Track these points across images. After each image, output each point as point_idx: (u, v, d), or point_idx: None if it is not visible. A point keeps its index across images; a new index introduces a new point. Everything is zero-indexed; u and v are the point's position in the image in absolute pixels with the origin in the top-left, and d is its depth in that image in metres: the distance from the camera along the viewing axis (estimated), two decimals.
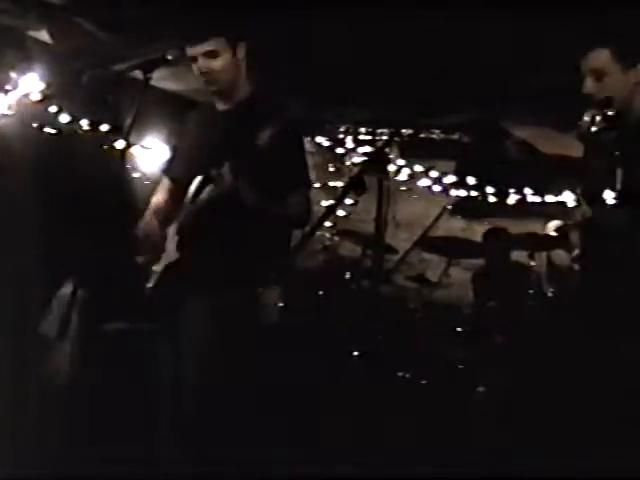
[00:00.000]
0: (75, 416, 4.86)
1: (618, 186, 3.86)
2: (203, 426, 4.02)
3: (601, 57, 3.93)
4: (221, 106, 4.41)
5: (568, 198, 8.32)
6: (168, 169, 4.63)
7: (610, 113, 3.90)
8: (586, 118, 3.95)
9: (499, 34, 5.71)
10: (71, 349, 5.71)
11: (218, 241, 4.15)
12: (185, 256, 4.20)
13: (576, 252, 4.40)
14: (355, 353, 5.48)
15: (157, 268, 4.26)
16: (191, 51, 4.22)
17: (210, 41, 4.20)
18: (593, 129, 3.92)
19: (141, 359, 5.00)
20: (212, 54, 4.21)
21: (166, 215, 4.38)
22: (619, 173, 3.86)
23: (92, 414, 4.96)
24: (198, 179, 4.19)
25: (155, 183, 4.70)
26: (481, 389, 5.76)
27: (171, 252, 4.24)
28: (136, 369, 5.18)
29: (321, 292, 6.59)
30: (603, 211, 3.93)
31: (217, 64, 4.22)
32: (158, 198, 4.53)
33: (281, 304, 5.40)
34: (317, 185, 9.22)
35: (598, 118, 3.91)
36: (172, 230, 4.28)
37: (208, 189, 4.11)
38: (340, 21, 5.80)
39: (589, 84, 3.96)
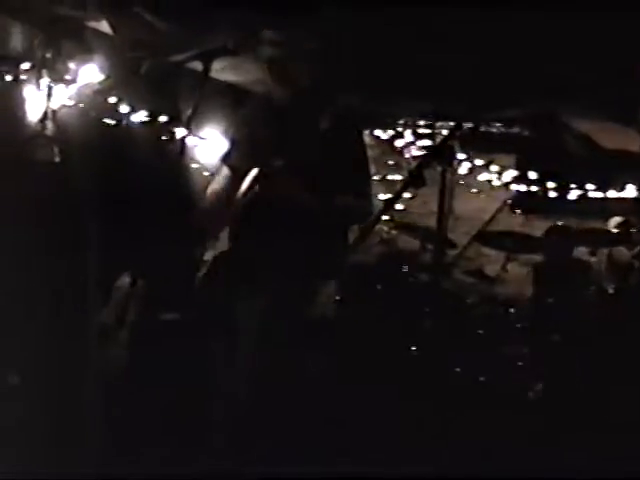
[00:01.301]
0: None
1: None
2: (253, 421, 4.01)
3: None
4: (280, 98, 4.38)
5: (630, 194, 8.20)
6: (227, 158, 4.60)
7: None
8: None
9: (560, 27, 5.65)
10: (129, 338, 5.73)
11: (272, 234, 4.12)
12: (237, 247, 4.18)
13: (638, 249, 4.35)
14: (413, 348, 5.45)
15: (208, 257, 4.25)
16: (270, 36, 4.20)
17: (277, 31, 4.21)
18: None
19: (194, 350, 5.02)
20: (277, 44, 4.20)
21: (222, 205, 4.37)
22: None
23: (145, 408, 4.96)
24: (254, 172, 4.16)
25: (213, 174, 4.69)
26: (540, 386, 5.71)
27: (224, 242, 4.24)
28: (188, 360, 5.19)
29: (379, 286, 6.55)
30: None
31: (290, 56, 4.20)
32: (215, 187, 4.52)
33: (338, 298, 5.38)
34: (376, 178, 9.22)
35: None
36: (226, 220, 4.27)
37: (260, 185, 4.10)
38: (400, 13, 5.77)
39: None
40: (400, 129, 9.38)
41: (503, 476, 4.12)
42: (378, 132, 9.30)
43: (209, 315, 4.32)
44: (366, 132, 9.06)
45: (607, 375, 5.28)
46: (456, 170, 8.61)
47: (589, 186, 9.02)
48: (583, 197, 9.05)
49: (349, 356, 5.51)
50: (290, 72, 4.25)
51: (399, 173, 9.21)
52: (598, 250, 6.61)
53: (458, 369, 5.85)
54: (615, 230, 5.48)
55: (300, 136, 4.09)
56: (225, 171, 4.55)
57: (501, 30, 5.86)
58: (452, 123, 8.12)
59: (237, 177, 4.36)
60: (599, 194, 9.00)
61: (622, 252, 6.26)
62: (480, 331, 6.24)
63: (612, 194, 8.71)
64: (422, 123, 9.25)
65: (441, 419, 4.37)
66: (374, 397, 5.28)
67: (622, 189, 8.41)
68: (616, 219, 5.62)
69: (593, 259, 6.60)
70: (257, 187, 4.15)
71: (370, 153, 8.66)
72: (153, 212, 4.93)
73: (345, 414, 4.87)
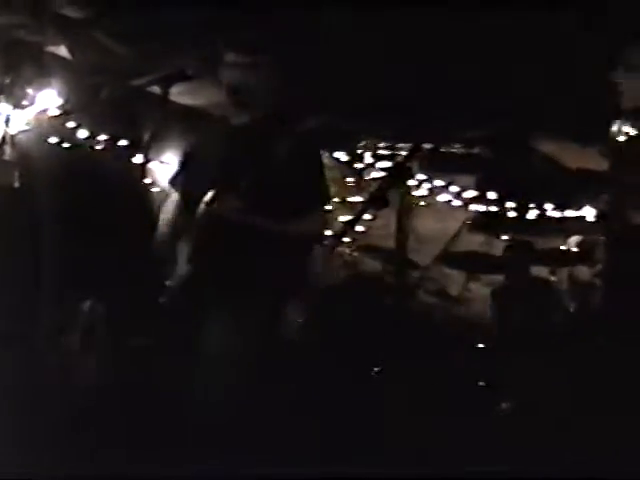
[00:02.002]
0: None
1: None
2: (221, 437, 3.99)
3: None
4: (237, 120, 4.39)
5: (589, 213, 8.26)
6: (179, 182, 4.55)
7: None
8: (614, 128, 3.94)
9: (522, 48, 5.70)
10: (94, 362, 5.70)
11: (232, 257, 4.10)
12: (197, 270, 4.16)
13: (598, 267, 4.38)
14: (375, 369, 5.46)
15: (170, 282, 4.22)
16: (230, 58, 4.19)
17: (238, 53, 4.18)
18: (621, 138, 3.90)
19: (158, 373, 4.99)
20: (237, 66, 4.18)
21: (177, 228, 4.36)
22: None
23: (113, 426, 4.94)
24: (210, 194, 4.14)
25: (173, 197, 4.68)
26: (505, 405, 5.72)
27: (182, 266, 4.21)
28: (153, 383, 5.16)
29: (342, 308, 6.55)
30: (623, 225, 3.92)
31: (241, 76, 4.18)
32: (168, 211, 4.49)
33: (301, 320, 5.37)
34: (336, 200, 9.22)
35: (626, 128, 3.89)
36: (183, 244, 4.25)
37: (218, 203, 4.10)
38: (360, 35, 5.80)
39: (618, 74, 3.95)
40: (360, 151, 9.39)
41: None
42: (338, 154, 9.32)
43: (174, 339, 4.31)
44: (326, 154, 9.09)
45: (570, 391, 5.30)
46: (416, 191, 8.66)
47: (549, 205, 9.08)
48: (543, 216, 9.11)
49: (314, 377, 5.51)
50: (248, 94, 4.26)
51: (359, 195, 9.24)
52: (558, 269, 6.65)
53: (421, 389, 5.87)
54: (575, 249, 5.51)
55: (257, 158, 4.07)
56: (176, 195, 4.51)
57: (462, 50, 5.90)
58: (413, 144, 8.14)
59: (189, 201, 4.33)
60: (559, 213, 9.06)
61: (583, 271, 6.29)
62: (444, 351, 6.26)
63: (572, 213, 8.77)
64: (382, 145, 9.26)
65: (404, 438, 4.38)
66: (339, 417, 5.29)
67: (582, 208, 8.47)
68: (576, 238, 5.65)
69: (553, 278, 6.64)
70: (213, 210, 4.13)
71: (330, 175, 8.71)
72: (114, 237, 4.91)
73: (310, 434, 4.87)
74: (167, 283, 4.23)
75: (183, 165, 4.60)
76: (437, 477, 4.03)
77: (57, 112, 6.88)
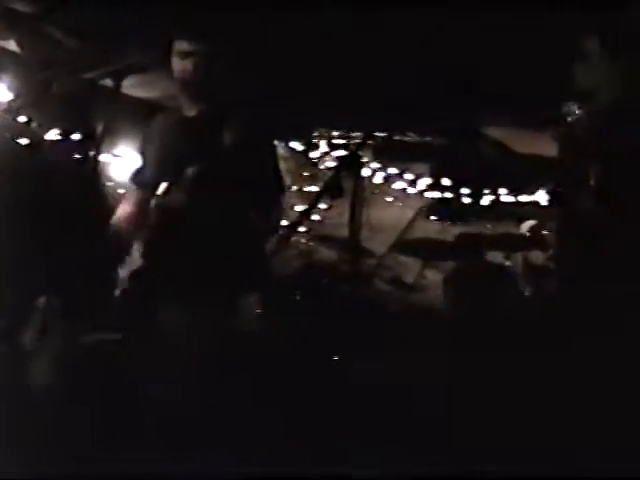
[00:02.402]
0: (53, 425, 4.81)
1: (592, 183, 3.87)
2: (180, 432, 3.99)
3: (591, 42, 3.96)
4: (189, 111, 4.38)
5: (542, 198, 8.32)
6: (135, 177, 4.61)
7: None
8: (564, 109, 3.97)
9: (471, 34, 5.72)
10: (49, 360, 5.65)
11: (187, 249, 4.13)
12: (151, 263, 4.18)
13: (551, 252, 4.41)
14: (335, 358, 5.45)
15: (123, 275, 4.22)
16: (182, 47, 4.22)
17: (189, 42, 4.22)
18: (569, 119, 3.94)
19: (115, 369, 4.98)
20: (189, 55, 4.22)
21: (133, 222, 4.38)
22: (593, 170, 3.87)
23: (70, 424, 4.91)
24: (163, 185, 4.15)
25: (126, 191, 4.67)
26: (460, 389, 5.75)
27: (136, 259, 4.22)
28: (111, 379, 5.15)
29: (298, 298, 6.57)
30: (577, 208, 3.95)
31: (193, 66, 4.22)
32: (125, 205, 4.51)
33: (259, 311, 5.37)
34: (292, 190, 9.22)
35: (576, 109, 3.93)
36: (138, 237, 4.27)
37: (171, 196, 4.10)
38: (313, 24, 5.80)
39: (576, 65, 3.99)
40: (315, 140, 9.40)
41: None
42: (293, 143, 9.32)
43: (130, 332, 4.30)
44: (281, 144, 9.09)
45: (525, 378, 5.33)
46: (367, 180, 8.67)
47: (502, 191, 9.14)
48: (497, 202, 9.17)
49: (272, 368, 5.51)
50: (201, 86, 4.27)
51: (315, 184, 9.24)
52: (512, 254, 6.70)
53: (380, 376, 5.88)
54: (528, 234, 5.55)
55: (211, 150, 4.09)
56: (134, 188, 4.56)
57: (412, 38, 5.91)
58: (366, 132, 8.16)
59: (147, 194, 4.35)
60: (512, 199, 9.13)
61: (537, 255, 6.34)
62: (401, 338, 6.28)
63: (525, 198, 8.84)
64: (337, 134, 9.28)
65: (365, 425, 4.40)
66: (297, 407, 5.29)
67: (534, 193, 8.53)
68: (529, 223, 5.70)
69: (508, 263, 6.69)
70: (167, 202, 4.14)
71: (286, 165, 8.72)
72: (68, 231, 4.88)
73: (267, 424, 4.87)
74: (121, 277, 4.24)
75: (140, 159, 4.61)
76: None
77: (7, 107, 6.82)
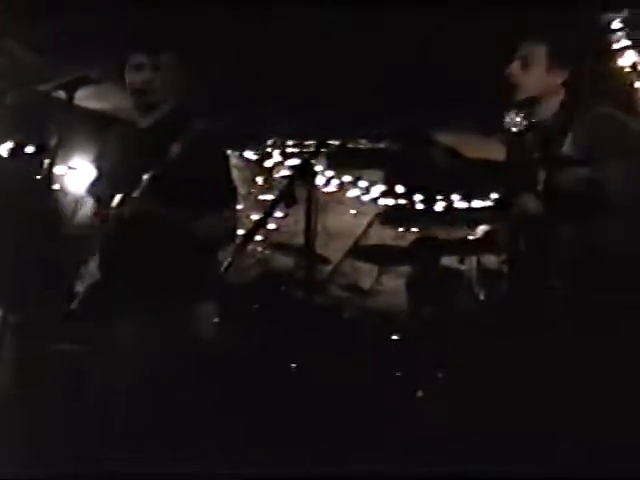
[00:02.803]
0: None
1: (539, 187, 3.93)
2: (141, 440, 3.99)
3: (534, 49, 4.02)
4: (142, 123, 4.41)
5: (494, 202, 8.39)
6: (90, 188, 4.61)
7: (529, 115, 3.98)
8: (508, 119, 4.02)
9: (420, 40, 5.76)
10: (7, 372, 5.62)
11: (143, 260, 4.14)
12: (108, 276, 4.17)
13: (502, 256, 4.45)
14: (293, 365, 5.46)
15: (80, 289, 4.22)
16: (134, 60, 4.27)
17: (142, 54, 4.26)
18: (514, 129, 3.99)
19: (75, 380, 4.97)
20: (142, 67, 4.25)
21: (91, 233, 4.37)
22: (541, 175, 3.93)
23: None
24: (118, 197, 4.16)
25: (81, 203, 4.67)
26: (420, 394, 5.78)
27: (93, 272, 4.21)
28: (71, 390, 5.13)
29: (256, 306, 6.57)
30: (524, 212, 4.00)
31: (146, 77, 4.26)
32: (81, 218, 4.53)
33: (216, 320, 5.38)
34: (247, 199, 9.25)
35: (519, 119, 3.98)
36: (94, 250, 4.25)
37: (126, 207, 4.12)
38: (263, 32, 5.85)
39: (514, 68, 4.05)
40: (269, 149, 9.43)
41: None
42: (247, 153, 9.34)
43: (89, 344, 4.31)
44: (235, 153, 9.11)
45: (482, 381, 5.35)
46: (321, 188, 8.71)
47: (455, 196, 9.22)
48: (450, 207, 9.24)
49: (231, 376, 5.50)
50: (152, 97, 4.30)
51: (270, 193, 9.27)
52: (466, 258, 6.74)
53: (338, 383, 5.90)
54: (481, 238, 5.58)
55: (164, 160, 4.11)
56: (90, 200, 4.55)
57: (362, 44, 5.95)
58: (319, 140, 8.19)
59: (102, 205, 4.35)
60: (465, 204, 9.20)
61: (490, 259, 6.39)
62: (358, 344, 6.30)
63: (477, 203, 8.92)
64: (290, 142, 9.31)
65: (324, 433, 4.41)
66: (256, 415, 5.30)
67: (487, 198, 8.61)
68: (482, 227, 5.73)
69: (463, 267, 6.72)
70: (122, 213, 4.15)
71: (240, 174, 8.72)
72: (22, 244, 4.85)
73: (228, 433, 4.87)
74: (78, 289, 4.24)
75: (96, 171, 4.62)
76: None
77: None
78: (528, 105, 4.06)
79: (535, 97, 4.07)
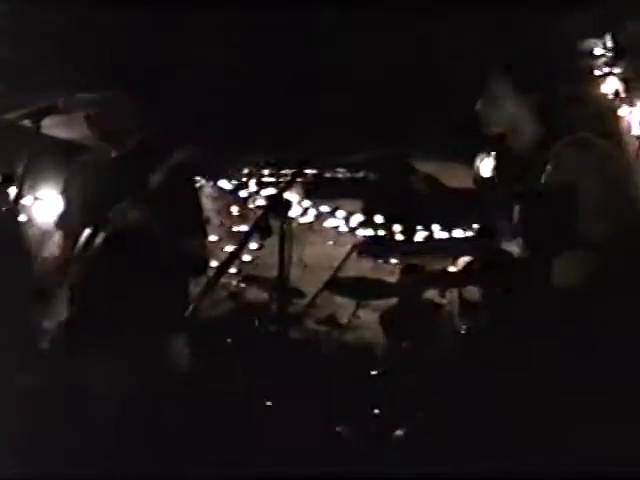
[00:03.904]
0: None
1: (515, 220, 3.87)
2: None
3: (499, 80, 3.93)
4: (108, 153, 4.39)
5: (474, 233, 8.35)
6: (59, 220, 4.58)
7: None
8: (478, 161, 3.97)
9: (400, 67, 5.76)
10: None
11: (113, 294, 4.08)
12: (78, 312, 4.11)
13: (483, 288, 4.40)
14: (268, 403, 5.39)
15: (49, 326, 4.13)
16: (81, 98, 4.23)
17: (102, 90, 4.25)
18: (487, 175, 3.94)
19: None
20: (103, 103, 4.25)
21: (57, 269, 4.29)
22: (516, 208, 3.86)
23: None
24: (87, 231, 4.12)
25: (48, 235, 4.60)
26: (399, 432, 5.69)
27: (62, 310, 4.13)
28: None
29: (229, 340, 6.49)
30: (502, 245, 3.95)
31: (107, 113, 4.27)
32: (50, 251, 4.46)
33: (188, 353, 5.30)
34: (221, 229, 9.17)
35: (491, 159, 3.92)
36: (63, 283, 4.18)
37: (96, 240, 4.06)
38: (238, 61, 5.84)
39: (482, 101, 3.98)
40: (244, 179, 9.39)
41: None
42: (222, 183, 9.30)
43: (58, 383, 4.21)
44: (209, 183, 9.06)
45: (463, 415, 5.30)
46: (295, 219, 8.66)
47: (436, 227, 9.18)
48: (430, 238, 9.20)
49: (203, 410, 5.42)
50: (112, 130, 4.30)
51: (245, 224, 9.21)
52: (447, 291, 6.66)
53: (314, 420, 5.82)
54: (463, 270, 5.51)
55: (130, 192, 4.06)
56: (59, 233, 4.50)
57: (341, 73, 5.93)
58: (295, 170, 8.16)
59: (71, 238, 4.32)
60: (445, 234, 9.16)
61: (472, 291, 6.31)
62: (334, 379, 6.22)
63: (458, 234, 8.87)
64: (266, 172, 9.27)
65: (301, 471, 4.32)
66: (228, 451, 5.20)
67: (469, 228, 8.55)
68: (464, 259, 5.65)
69: (444, 300, 6.65)
70: (93, 247, 4.11)
71: (214, 205, 8.64)
72: None
73: (201, 468, 4.79)
74: (46, 326, 4.14)
75: (64, 202, 4.60)
76: None
77: None
78: (498, 141, 3.98)
79: (505, 132, 3.97)
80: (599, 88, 6.09)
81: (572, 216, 3.70)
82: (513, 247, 3.93)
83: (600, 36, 5.61)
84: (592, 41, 5.66)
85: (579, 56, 5.72)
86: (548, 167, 3.79)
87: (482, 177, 4.03)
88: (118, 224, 4.04)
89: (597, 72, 5.95)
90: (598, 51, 5.74)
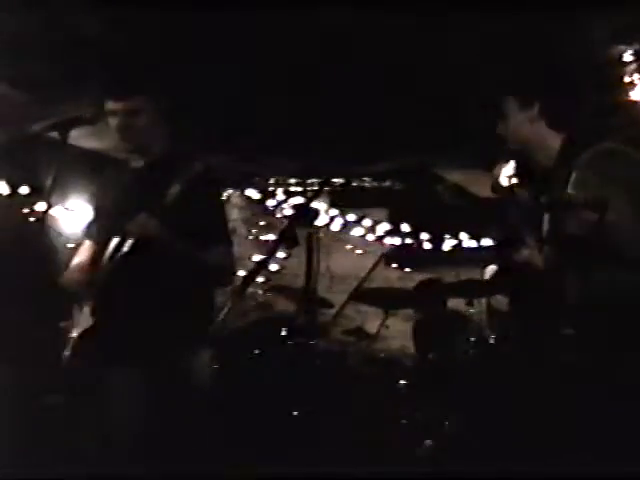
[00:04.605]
0: None
1: (545, 230, 3.82)
2: None
3: (508, 99, 3.93)
4: (136, 163, 4.39)
5: (499, 242, 8.33)
6: (86, 230, 4.59)
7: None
8: (496, 172, 3.94)
9: (427, 77, 5.74)
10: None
11: (139, 303, 4.09)
12: (102, 322, 4.12)
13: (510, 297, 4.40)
14: (295, 413, 5.37)
15: (74, 334, 4.15)
16: (111, 107, 4.22)
17: (132, 99, 4.22)
18: (504, 184, 3.90)
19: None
20: (132, 112, 4.21)
21: (86, 278, 4.28)
22: (545, 218, 3.82)
23: None
24: (115, 241, 4.12)
25: (77, 245, 4.61)
26: (428, 442, 5.66)
27: (86, 317, 4.14)
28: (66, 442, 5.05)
29: (257, 351, 6.48)
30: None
31: (136, 122, 4.22)
32: (78, 261, 4.44)
33: (215, 366, 5.29)
34: (249, 239, 9.20)
35: (509, 171, 3.89)
36: (89, 293, 4.19)
37: (124, 250, 4.07)
38: (267, 69, 5.81)
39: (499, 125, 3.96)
40: (271, 188, 9.41)
41: None
42: (249, 192, 9.32)
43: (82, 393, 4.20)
44: (236, 192, 9.09)
45: (492, 425, 5.27)
46: (322, 228, 8.66)
47: (463, 236, 9.16)
48: (458, 247, 9.18)
49: (230, 424, 5.41)
50: (139, 139, 4.27)
51: (272, 233, 9.23)
52: (474, 300, 6.63)
53: (342, 431, 5.80)
54: (490, 279, 5.50)
55: (153, 201, 4.06)
56: (87, 243, 4.50)
57: (368, 83, 5.93)
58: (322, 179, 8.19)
59: (99, 248, 4.31)
60: (473, 243, 9.14)
61: (500, 301, 6.29)
62: (364, 390, 6.20)
63: (487, 242, 8.84)
64: (293, 181, 9.29)
65: None
66: (256, 463, 5.20)
67: (496, 238, 8.53)
68: (492, 267, 5.64)
69: (471, 310, 6.62)
70: (119, 257, 4.11)
71: (241, 214, 8.66)
72: (17, 288, 4.83)
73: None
74: (72, 335, 4.16)
75: (93, 213, 4.61)
76: None
77: None
78: (519, 155, 3.95)
79: (527, 147, 3.94)
80: (629, 95, 6.03)
81: (600, 226, 3.67)
82: (539, 256, 3.89)
83: (630, 43, 5.55)
84: (621, 47, 5.60)
85: (608, 63, 5.67)
86: (575, 177, 3.76)
87: (504, 186, 3.99)
88: (136, 236, 4.05)
89: (626, 79, 5.89)
90: (627, 57, 5.68)
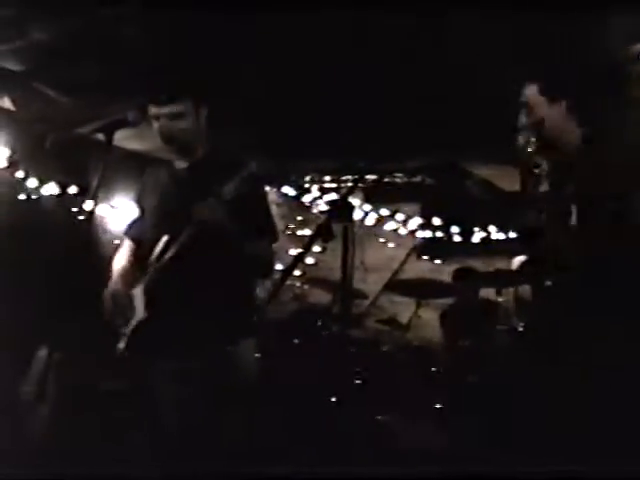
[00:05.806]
0: None
1: (573, 221, 3.94)
2: None
3: (530, 91, 4.06)
4: (180, 164, 4.47)
5: (524, 233, 8.38)
6: (129, 230, 4.68)
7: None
8: (521, 140, 4.05)
9: (455, 73, 5.83)
10: (48, 411, 5.68)
11: (187, 298, 4.17)
12: (154, 316, 4.21)
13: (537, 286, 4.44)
14: (333, 399, 5.48)
15: (128, 329, 4.25)
16: (155, 111, 4.28)
17: (176, 103, 4.27)
18: (529, 149, 4.01)
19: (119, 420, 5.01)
20: (176, 116, 4.27)
21: (131, 276, 4.39)
22: (574, 209, 3.93)
23: None
24: (164, 239, 4.22)
25: (123, 242, 4.71)
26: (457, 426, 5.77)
27: (140, 311, 4.24)
28: (114, 430, 5.18)
29: (296, 340, 6.60)
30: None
31: (179, 125, 4.29)
32: (122, 259, 4.55)
33: (258, 355, 5.40)
34: (286, 234, 9.30)
35: (533, 139, 4.00)
36: (139, 290, 4.28)
37: (172, 251, 4.18)
38: (300, 71, 5.92)
39: (522, 117, 4.08)
40: (307, 185, 9.49)
41: None
42: (286, 189, 9.40)
43: (134, 384, 4.40)
44: (273, 190, 9.18)
45: (523, 414, 5.33)
46: (358, 222, 8.72)
47: (492, 228, 9.22)
48: (487, 239, 9.24)
49: (272, 412, 5.53)
50: (182, 141, 4.35)
51: (308, 228, 9.32)
52: (504, 290, 6.74)
53: (379, 417, 5.91)
54: (518, 269, 5.59)
55: (203, 201, 4.13)
56: (128, 243, 4.61)
57: (399, 81, 6.01)
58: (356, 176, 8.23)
59: (141, 247, 4.43)
60: (502, 235, 9.20)
61: (527, 290, 6.38)
62: (397, 378, 6.32)
63: (515, 235, 8.90)
64: (328, 178, 9.37)
65: (364, 468, 4.41)
66: (297, 450, 5.31)
67: (522, 229, 8.58)
68: (519, 258, 5.74)
69: (500, 299, 6.72)
70: (167, 256, 4.21)
71: (278, 211, 8.76)
72: (65, 284, 4.90)
73: (271, 467, 4.88)
74: (124, 330, 4.25)
75: (137, 213, 4.68)
76: None
77: (5, 163, 6.89)
78: (538, 125, 4.06)
79: (543, 118, 4.06)
80: None
81: (624, 218, 3.78)
82: (566, 246, 4.00)
83: None
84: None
85: (628, 60, 5.70)
86: (596, 170, 3.90)
87: (527, 151, 4.10)
88: (201, 220, 4.10)
89: None
90: None
